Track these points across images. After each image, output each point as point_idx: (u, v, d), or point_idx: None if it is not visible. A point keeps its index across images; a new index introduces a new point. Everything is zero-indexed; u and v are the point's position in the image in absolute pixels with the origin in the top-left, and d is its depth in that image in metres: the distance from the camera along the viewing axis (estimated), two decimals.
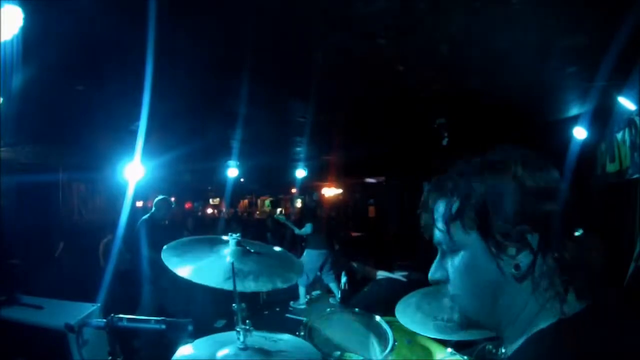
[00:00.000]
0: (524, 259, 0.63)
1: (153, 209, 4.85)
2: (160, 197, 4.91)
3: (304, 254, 6.08)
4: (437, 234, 0.70)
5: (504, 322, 0.67)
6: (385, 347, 1.93)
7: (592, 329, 0.61)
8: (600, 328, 0.62)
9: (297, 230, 6.47)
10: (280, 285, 1.67)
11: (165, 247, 1.73)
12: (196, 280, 1.60)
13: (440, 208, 0.69)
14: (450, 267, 0.70)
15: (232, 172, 7.21)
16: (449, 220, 0.67)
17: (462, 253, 0.67)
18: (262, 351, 1.56)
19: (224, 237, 1.78)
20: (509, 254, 0.63)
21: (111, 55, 2.78)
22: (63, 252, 6.04)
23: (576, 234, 0.65)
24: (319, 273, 6.34)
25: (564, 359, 0.58)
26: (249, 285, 1.58)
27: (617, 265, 2.96)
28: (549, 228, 0.61)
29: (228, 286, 1.56)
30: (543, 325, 0.62)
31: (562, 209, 0.62)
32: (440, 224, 0.69)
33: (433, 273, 0.73)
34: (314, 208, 6.55)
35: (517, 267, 0.63)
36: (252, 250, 1.76)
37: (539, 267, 0.63)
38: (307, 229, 6.27)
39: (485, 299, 0.66)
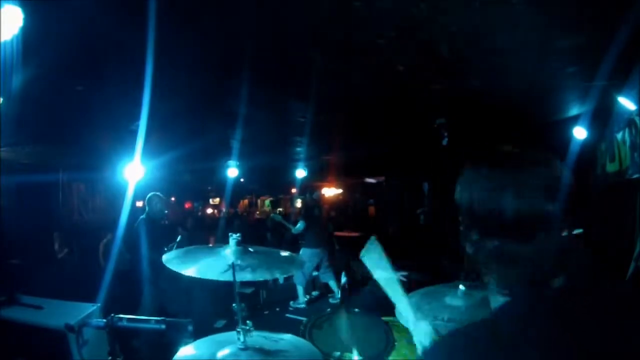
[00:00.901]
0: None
1: (146, 207, 4.84)
2: (151, 194, 4.87)
3: (300, 252, 6.08)
4: None
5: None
6: (385, 347, 1.93)
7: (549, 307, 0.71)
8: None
9: (292, 229, 6.47)
10: (279, 275, 1.70)
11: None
12: (197, 275, 1.61)
13: None
14: None
15: (232, 172, 7.21)
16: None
17: None
18: (262, 351, 1.56)
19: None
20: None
21: (111, 55, 2.78)
22: (63, 250, 6.03)
23: (575, 231, 0.76)
24: (315, 272, 6.34)
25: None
26: (245, 276, 1.59)
27: (617, 265, 2.96)
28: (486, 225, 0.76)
29: (225, 277, 1.57)
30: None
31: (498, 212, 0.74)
32: None
33: None
34: (312, 207, 6.54)
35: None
36: (251, 250, 1.77)
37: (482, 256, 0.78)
38: (300, 226, 6.27)
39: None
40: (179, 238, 4.98)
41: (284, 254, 1.96)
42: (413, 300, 1.86)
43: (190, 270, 1.63)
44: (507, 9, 2.28)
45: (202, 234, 8.24)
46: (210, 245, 1.87)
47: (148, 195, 4.86)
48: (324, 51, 2.95)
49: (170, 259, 1.69)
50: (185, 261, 1.70)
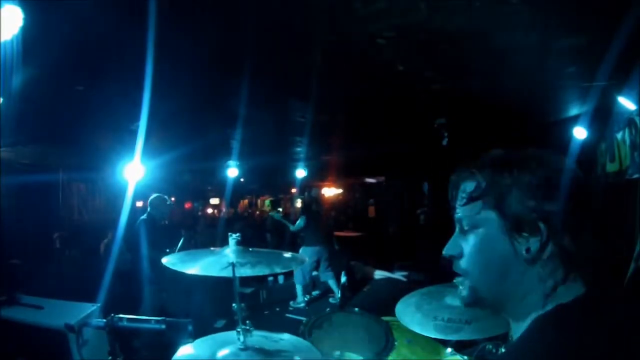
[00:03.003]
0: (534, 244, 0.69)
1: (149, 208, 4.85)
2: (154, 195, 4.89)
3: (300, 251, 6.09)
4: (460, 211, 0.77)
5: (510, 301, 0.73)
6: (385, 347, 1.93)
7: (595, 316, 0.66)
8: (602, 316, 0.66)
9: (291, 227, 6.48)
10: (278, 270, 1.69)
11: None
12: (199, 273, 1.61)
13: (467, 186, 0.76)
14: (467, 243, 0.76)
15: (232, 172, 7.22)
16: (473, 196, 0.74)
17: (480, 230, 0.74)
18: (262, 351, 1.56)
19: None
20: (523, 236, 0.70)
21: (111, 56, 2.78)
22: (63, 248, 6.04)
23: None
24: (315, 272, 6.34)
25: (566, 342, 0.63)
26: (245, 272, 1.59)
27: (617, 265, 2.96)
28: (558, 221, 0.68)
29: (224, 273, 1.57)
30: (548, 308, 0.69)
31: (572, 207, 0.69)
32: (464, 201, 0.76)
33: (447, 249, 0.79)
34: (309, 204, 6.55)
35: (528, 250, 0.69)
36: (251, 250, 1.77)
37: (546, 254, 0.69)
38: (300, 222, 6.27)
39: (495, 275, 0.73)
40: (182, 240, 4.99)
41: (286, 254, 1.96)
42: (413, 300, 1.86)
43: (190, 269, 1.63)
44: (507, 9, 2.28)
45: (205, 236, 8.26)
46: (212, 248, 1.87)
47: (152, 197, 4.88)
48: (324, 51, 2.95)
49: (171, 261, 1.70)
50: (185, 261, 1.70)
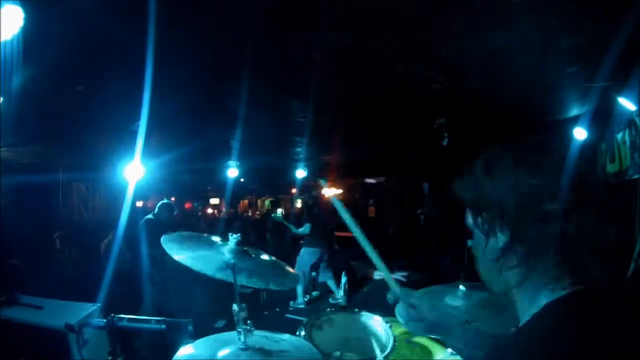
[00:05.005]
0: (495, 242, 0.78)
1: (156, 210, 4.90)
2: (164, 201, 5.00)
3: (300, 251, 6.11)
4: None
5: (509, 288, 0.80)
6: (385, 347, 1.93)
7: (593, 310, 0.69)
8: (598, 311, 0.69)
9: (294, 230, 6.47)
10: (273, 287, 1.68)
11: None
12: (191, 266, 1.58)
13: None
14: None
15: (232, 172, 7.22)
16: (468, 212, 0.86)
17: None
18: (262, 351, 1.56)
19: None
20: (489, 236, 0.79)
21: (111, 56, 2.78)
22: (63, 248, 6.03)
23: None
24: (314, 273, 6.34)
25: (576, 329, 0.66)
26: (240, 279, 1.58)
27: (617, 264, 2.95)
28: (511, 219, 0.75)
29: (220, 276, 1.56)
30: (545, 301, 0.73)
31: (527, 204, 0.74)
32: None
33: None
34: (312, 206, 6.54)
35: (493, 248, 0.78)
36: (252, 254, 1.77)
37: (513, 249, 0.75)
38: (306, 228, 6.27)
39: (485, 266, 0.83)
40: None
41: (285, 269, 1.91)
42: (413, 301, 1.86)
43: (184, 259, 1.59)
44: (508, 9, 2.28)
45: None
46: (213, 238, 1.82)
47: (160, 202, 5.01)
48: (324, 51, 2.95)
49: (168, 243, 1.66)
50: (182, 248, 1.65)
